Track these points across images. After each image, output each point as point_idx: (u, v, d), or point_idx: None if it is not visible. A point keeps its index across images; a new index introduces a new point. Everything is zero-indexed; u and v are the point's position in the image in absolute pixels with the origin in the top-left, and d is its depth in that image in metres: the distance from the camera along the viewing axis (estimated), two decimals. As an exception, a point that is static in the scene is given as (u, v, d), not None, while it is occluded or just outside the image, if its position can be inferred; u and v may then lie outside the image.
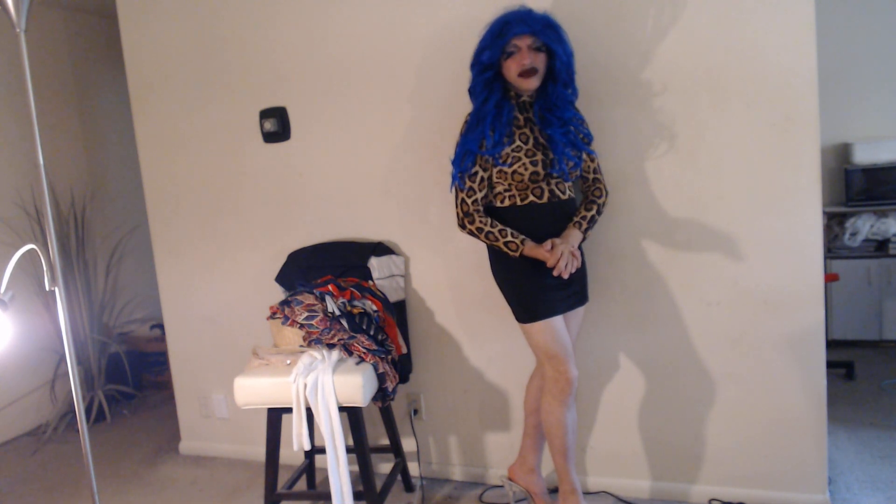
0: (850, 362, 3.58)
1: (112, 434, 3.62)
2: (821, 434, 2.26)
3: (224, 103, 2.90)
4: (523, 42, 2.00)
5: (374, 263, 2.58)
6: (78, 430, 3.36)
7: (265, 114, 2.80)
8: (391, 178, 2.67)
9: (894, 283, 3.94)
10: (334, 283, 2.45)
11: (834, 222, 4.10)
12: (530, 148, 2.07)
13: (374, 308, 2.42)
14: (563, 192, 2.13)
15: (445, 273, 2.64)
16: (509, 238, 2.07)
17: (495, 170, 2.09)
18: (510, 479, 2.41)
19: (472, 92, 2.14)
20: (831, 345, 4.03)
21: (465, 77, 2.46)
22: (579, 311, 2.25)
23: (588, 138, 2.18)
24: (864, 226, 3.98)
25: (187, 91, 2.96)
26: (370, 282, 2.54)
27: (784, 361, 2.26)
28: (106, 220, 4.30)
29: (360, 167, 2.71)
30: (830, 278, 3.68)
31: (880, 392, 3.34)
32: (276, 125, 2.78)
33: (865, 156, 4.00)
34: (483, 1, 2.40)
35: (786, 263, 2.21)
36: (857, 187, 4.00)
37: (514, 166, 2.06)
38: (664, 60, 2.24)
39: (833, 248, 4.05)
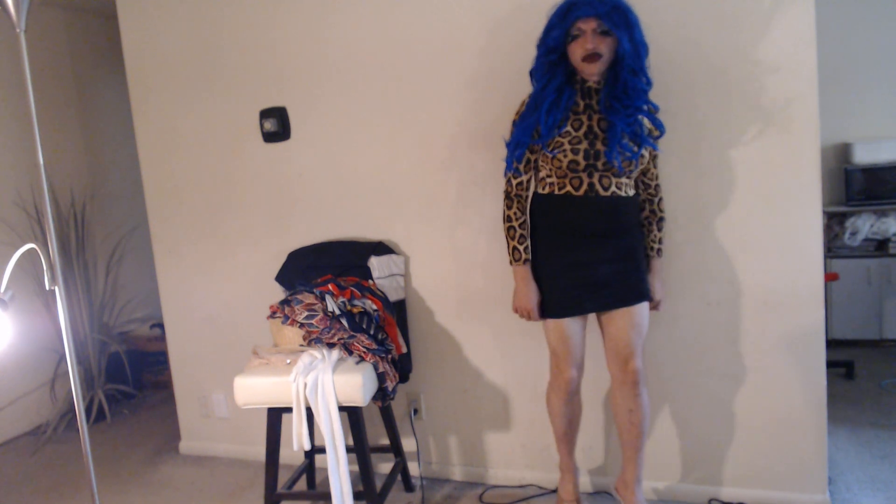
0: (850, 362, 3.58)
1: (112, 434, 3.62)
2: (821, 434, 2.26)
3: (224, 103, 2.89)
4: (588, 25, 1.92)
5: (374, 263, 2.58)
6: (78, 430, 3.36)
7: (265, 114, 2.80)
8: (391, 178, 2.67)
9: (894, 283, 3.94)
10: (334, 283, 2.45)
11: (834, 222, 4.10)
12: (578, 135, 1.99)
13: (375, 307, 2.42)
14: (606, 188, 2.01)
15: (445, 273, 2.64)
16: (517, 245, 2.11)
17: (541, 153, 2.06)
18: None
19: (533, 74, 2.09)
20: (831, 345, 4.03)
21: (467, 74, 2.47)
22: (629, 311, 2.08)
23: (660, 129, 2.07)
24: (864, 225, 3.98)
25: (187, 91, 2.96)
26: (370, 281, 2.54)
27: (784, 361, 2.26)
28: (106, 220, 4.30)
29: (360, 167, 2.71)
30: (830, 278, 3.68)
31: (880, 392, 3.34)
32: (276, 125, 2.78)
33: (865, 156, 4.00)
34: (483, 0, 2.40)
35: (786, 263, 2.21)
36: (857, 187, 3.99)
37: (557, 153, 2.00)
38: (664, 60, 2.24)
39: (833, 248, 4.05)
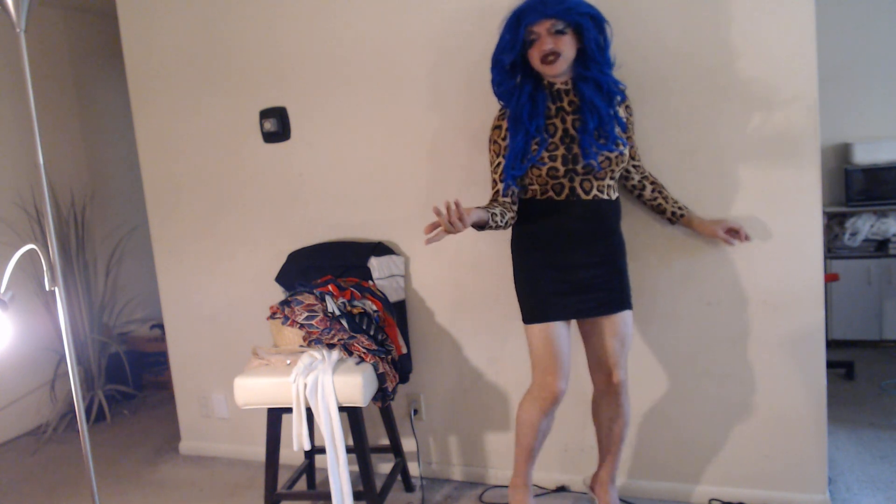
0: (850, 362, 3.57)
1: (112, 434, 3.62)
2: (821, 434, 2.26)
3: (224, 103, 2.89)
4: (541, 27, 1.91)
5: (374, 263, 2.58)
6: (78, 430, 3.35)
7: (265, 114, 2.80)
8: (391, 178, 2.67)
9: (894, 283, 3.94)
10: (334, 283, 2.45)
11: (834, 222, 4.10)
12: (554, 141, 1.97)
13: (374, 308, 2.42)
14: (587, 192, 1.99)
15: (445, 273, 2.64)
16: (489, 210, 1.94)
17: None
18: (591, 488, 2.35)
19: (500, 94, 2.07)
20: (831, 345, 4.03)
21: (467, 75, 2.47)
22: (614, 319, 2.06)
23: (620, 95, 2.05)
24: (864, 226, 3.98)
25: (187, 91, 2.96)
26: (370, 282, 2.54)
27: (784, 361, 2.26)
28: (106, 220, 4.30)
29: (360, 167, 2.71)
30: (830, 278, 3.68)
31: (880, 392, 3.34)
32: (276, 125, 2.78)
33: (865, 156, 3.99)
34: None
35: (786, 263, 2.21)
36: (857, 187, 3.99)
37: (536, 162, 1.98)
38: (664, 60, 2.24)
39: (833, 248, 4.05)
